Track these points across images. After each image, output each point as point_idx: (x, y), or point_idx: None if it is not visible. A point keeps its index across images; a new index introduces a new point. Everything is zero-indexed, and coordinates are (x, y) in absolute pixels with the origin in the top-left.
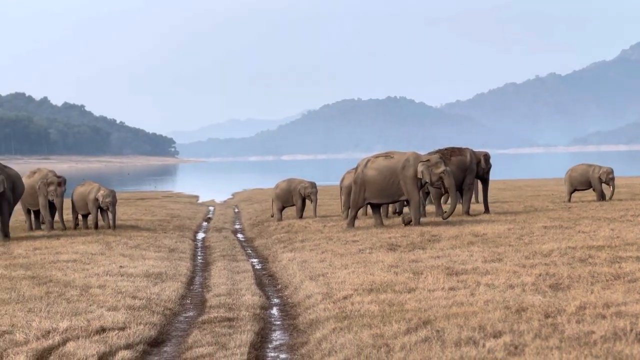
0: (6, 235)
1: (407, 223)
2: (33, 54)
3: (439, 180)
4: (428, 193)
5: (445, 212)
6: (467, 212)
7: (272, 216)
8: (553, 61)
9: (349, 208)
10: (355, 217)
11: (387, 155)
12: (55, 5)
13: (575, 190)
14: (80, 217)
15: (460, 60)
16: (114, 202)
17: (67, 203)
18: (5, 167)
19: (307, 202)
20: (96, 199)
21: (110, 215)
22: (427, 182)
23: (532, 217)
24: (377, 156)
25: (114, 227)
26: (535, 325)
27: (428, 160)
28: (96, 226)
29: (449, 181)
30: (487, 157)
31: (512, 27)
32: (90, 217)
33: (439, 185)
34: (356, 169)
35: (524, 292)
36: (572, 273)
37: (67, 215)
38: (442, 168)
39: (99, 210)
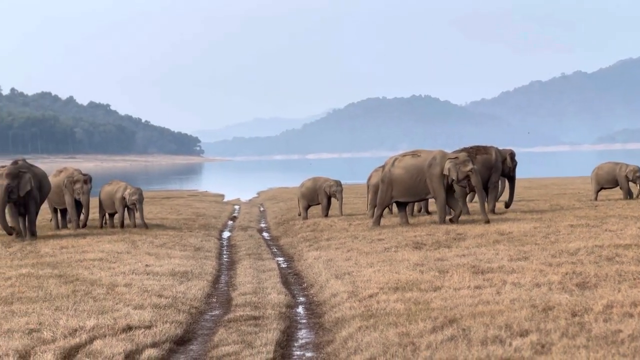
0: (33, 234)
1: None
2: (59, 54)
3: (466, 178)
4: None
5: (485, 221)
6: (493, 211)
7: (299, 215)
8: (579, 59)
9: (375, 206)
10: (381, 215)
11: (414, 154)
12: (82, 4)
13: (602, 188)
14: (107, 216)
15: (486, 58)
16: (140, 200)
17: (94, 202)
18: (32, 166)
19: (333, 200)
20: (123, 198)
21: (137, 213)
22: (453, 180)
23: (558, 216)
24: (404, 155)
25: (144, 224)
26: (562, 324)
27: (456, 157)
28: (122, 225)
29: (475, 180)
30: (512, 155)
31: (537, 25)
32: (116, 216)
33: (465, 183)
34: (383, 167)
35: (551, 291)
36: (599, 272)
37: (94, 214)
38: (469, 166)
39: (125, 209)
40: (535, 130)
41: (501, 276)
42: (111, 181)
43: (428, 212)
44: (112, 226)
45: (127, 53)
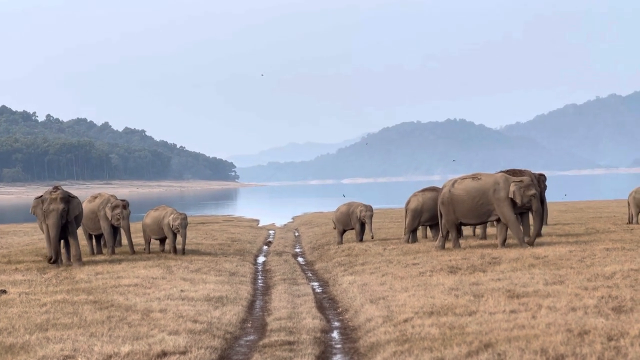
0: (80, 259)
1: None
2: (93, 80)
3: (529, 202)
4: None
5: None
6: (529, 235)
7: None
8: (613, 82)
9: (412, 231)
10: (446, 237)
11: (474, 177)
12: (114, 30)
13: None
14: (151, 241)
15: (520, 81)
16: (183, 225)
17: (138, 227)
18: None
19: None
20: (168, 223)
21: (181, 239)
22: (517, 204)
23: (594, 239)
24: (464, 177)
25: (183, 251)
26: (598, 348)
27: (521, 181)
28: (175, 251)
29: (536, 204)
30: (543, 178)
31: (572, 48)
32: (167, 242)
33: (528, 207)
34: (442, 190)
35: (586, 315)
36: (635, 295)
37: (141, 238)
38: (533, 190)
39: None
40: (571, 153)
41: (537, 300)
42: (158, 207)
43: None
44: (164, 251)
45: (161, 79)
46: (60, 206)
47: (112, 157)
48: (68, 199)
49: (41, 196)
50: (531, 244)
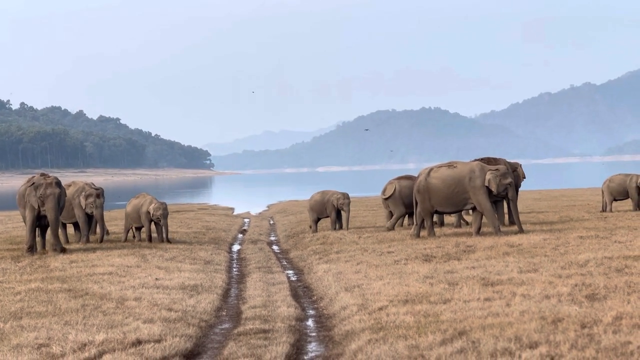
0: (63, 249)
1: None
2: (69, 68)
3: (505, 190)
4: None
5: (519, 232)
6: (503, 223)
7: (310, 227)
8: (588, 70)
9: (391, 218)
10: (421, 226)
11: (450, 165)
12: (92, 20)
13: (614, 200)
14: (134, 229)
15: (495, 70)
16: (164, 215)
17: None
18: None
19: (343, 213)
20: (148, 212)
21: (163, 228)
22: (492, 192)
23: (567, 227)
24: (439, 166)
25: (167, 239)
26: (572, 335)
27: (497, 169)
28: (150, 239)
29: (512, 193)
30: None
31: (545, 37)
32: (144, 229)
33: (503, 195)
34: (417, 178)
35: (560, 303)
36: (609, 283)
37: (116, 227)
38: (509, 179)
39: (151, 223)
40: (545, 142)
41: (511, 288)
42: (138, 194)
43: (442, 224)
44: (140, 239)
45: (138, 67)
46: (57, 190)
47: (87, 145)
48: (60, 183)
49: (33, 183)
50: (521, 230)
